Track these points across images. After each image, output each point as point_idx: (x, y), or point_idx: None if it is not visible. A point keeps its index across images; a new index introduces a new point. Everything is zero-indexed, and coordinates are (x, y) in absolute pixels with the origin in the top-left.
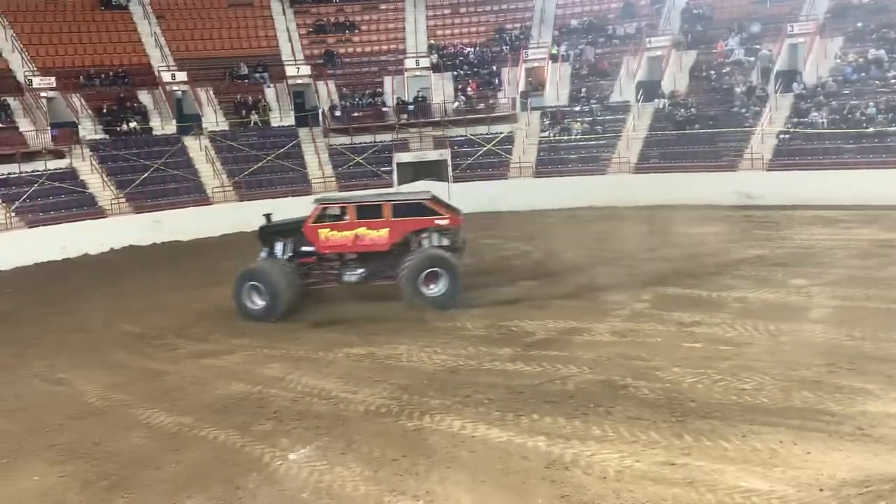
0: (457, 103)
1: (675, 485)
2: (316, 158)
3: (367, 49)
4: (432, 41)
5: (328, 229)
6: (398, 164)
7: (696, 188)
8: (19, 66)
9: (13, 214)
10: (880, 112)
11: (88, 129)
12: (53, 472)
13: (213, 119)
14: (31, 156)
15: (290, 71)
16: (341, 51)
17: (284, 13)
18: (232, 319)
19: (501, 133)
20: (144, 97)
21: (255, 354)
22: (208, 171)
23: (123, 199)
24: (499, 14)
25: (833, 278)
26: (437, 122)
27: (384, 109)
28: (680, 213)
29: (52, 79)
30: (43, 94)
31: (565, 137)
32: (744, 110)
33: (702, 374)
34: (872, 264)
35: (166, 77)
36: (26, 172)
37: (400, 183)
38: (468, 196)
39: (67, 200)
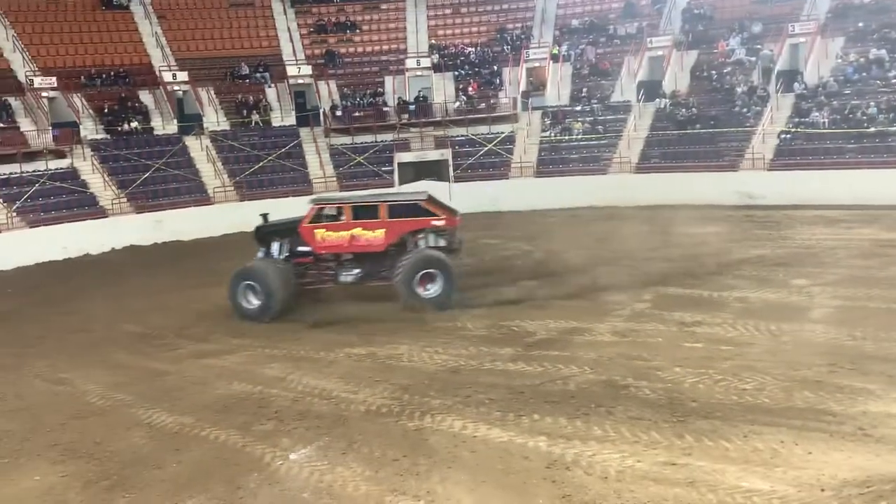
0: (458, 103)
1: (676, 485)
2: (317, 158)
3: (368, 49)
4: (433, 41)
5: (324, 230)
6: (399, 164)
7: (698, 188)
8: (20, 66)
9: (14, 214)
10: (881, 112)
11: (89, 129)
12: (55, 471)
13: (215, 119)
14: (32, 156)
15: (291, 71)
16: (342, 51)
17: (285, 13)
18: (232, 319)
19: (502, 133)
20: (145, 97)
21: (255, 354)
22: (209, 170)
23: (124, 199)
24: (500, 14)
25: (834, 278)
26: (438, 122)
27: (385, 109)
28: (681, 212)
29: (54, 79)
30: (44, 93)
31: (566, 137)
32: (745, 110)
33: (703, 374)
34: (874, 264)
35: (167, 77)
36: (27, 172)
37: (401, 183)
38: (469, 196)
39: (69, 200)
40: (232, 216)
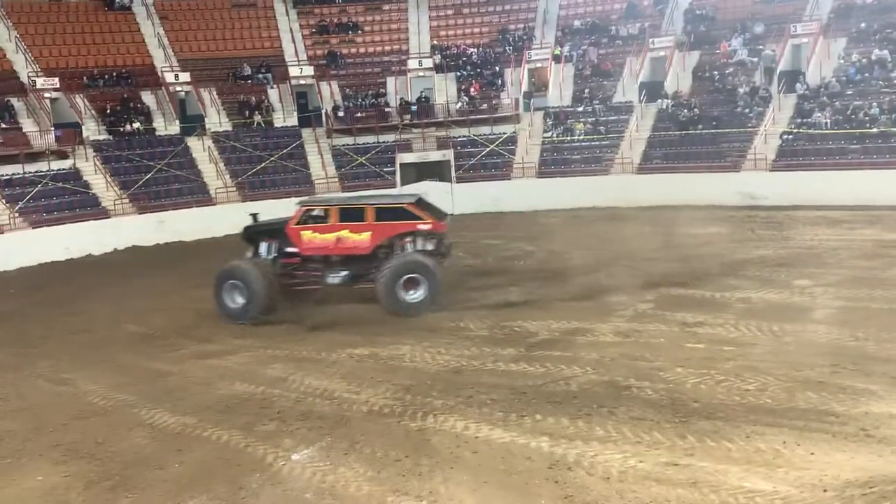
0: (460, 104)
1: (678, 485)
2: (319, 159)
3: (371, 50)
4: (435, 42)
5: (311, 231)
6: (401, 165)
7: (700, 189)
8: (23, 67)
9: (17, 215)
10: (884, 112)
11: (92, 130)
12: (57, 471)
13: (217, 119)
14: (34, 156)
15: (294, 71)
16: (344, 51)
17: (287, 14)
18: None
19: (504, 133)
20: (148, 98)
21: (258, 355)
22: (211, 171)
23: (127, 200)
24: (502, 15)
25: (837, 279)
26: (440, 123)
27: (387, 110)
28: (683, 213)
29: (56, 79)
30: (46, 94)
31: (568, 138)
32: (747, 111)
33: (705, 374)
34: (876, 265)
35: (169, 78)
36: (30, 173)
37: (403, 183)
38: (471, 196)
39: (71, 201)
40: (234, 217)
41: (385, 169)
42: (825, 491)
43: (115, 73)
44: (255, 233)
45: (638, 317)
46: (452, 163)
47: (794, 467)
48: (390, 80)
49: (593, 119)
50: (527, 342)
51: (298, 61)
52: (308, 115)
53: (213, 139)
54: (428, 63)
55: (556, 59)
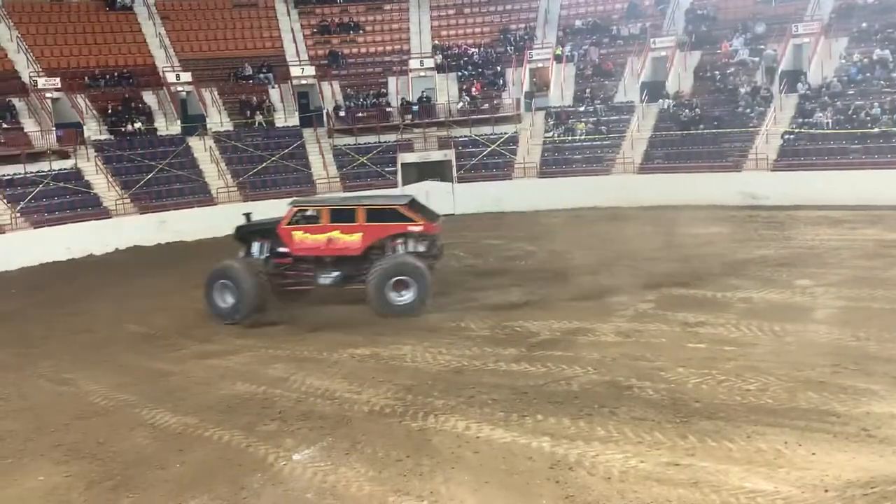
0: (461, 104)
1: (679, 485)
2: (320, 159)
3: (372, 49)
4: (436, 42)
5: (302, 231)
6: (402, 165)
7: (701, 188)
8: (24, 67)
9: (18, 215)
10: (885, 112)
11: (93, 130)
12: (58, 471)
13: (218, 119)
14: (36, 156)
15: (295, 71)
16: (346, 51)
17: (289, 14)
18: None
19: (506, 133)
20: (149, 98)
21: (259, 355)
22: (213, 171)
23: (128, 200)
24: (503, 14)
25: (838, 279)
26: (442, 123)
27: (388, 110)
28: (684, 213)
29: (57, 79)
30: (48, 94)
31: (569, 138)
32: (748, 111)
33: (706, 374)
34: (878, 265)
35: (171, 77)
36: (31, 173)
37: (404, 183)
38: (472, 196)
39: (72, 201)
40: (235, 217)
41: (386, 169)
42: (826, 491)
43: (116, 73)
44: (248, 232)
45: (639, 317)
46: (454, 163)
47: (796, 467)
48: (391, 80)
49: (594, 119)
50: (528, 342)
51: (300, 61)
52: (309, 115)
53: (214, 139)
54: (429, 63)
55: (558, 58)
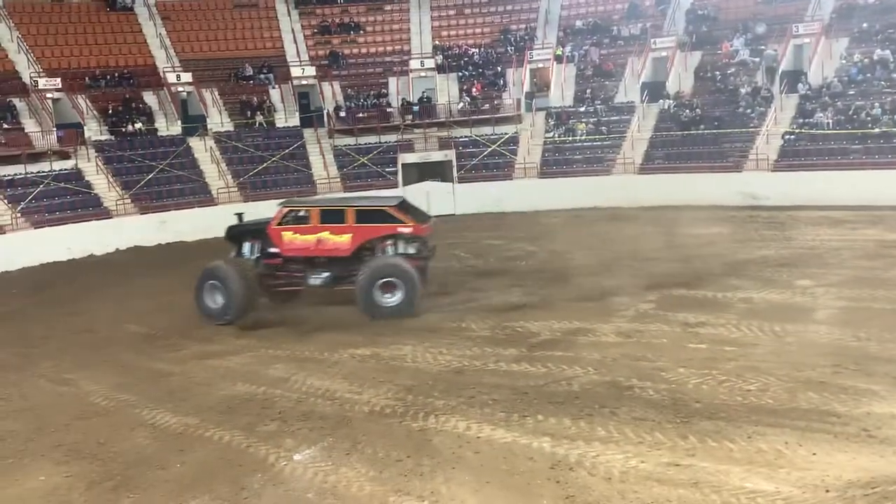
0: (461, 104)
1: (680, 486)
2: (321, 159)
3: (372, 50)
4: (437, 42)
5: (291, 232)
6: (403, 165)
7: (701, 189)
8: (25, 68)
9: (19, 215)
10: (886, 113)
11: (94, 130)
12: (59, 472)
13: (218, 120)
14: (36, 157)
15: (295, 72)
16: (346, 52)
17: (289, 14)
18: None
19: (506, 134)
20: (150, 98)
21: (259, 355)
22: (213, 171)
23: (129, 200)
24: (504, 15)
25: (839, 279)
26: (442, 123)
27: (389, 110)
28: (685, 213)
29: (58, 80)
30: (48, 95)
31: (570, 138)
32: (749, 111)
33: (707, 374)
34: (878, 265)
35: (171, 78)
36: (32, 173)
37: (405, 184)
38: (473, 197)
39: (73, 201)
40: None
41: (387, 169)
42: (827, 491)
43: (116, 74)
44: (239, 233)
45: (640, 317)
46: (454, 163)
47: (796, 468)
48: (392, 81)
49: (595, 119)
50: (528, 342)
51: (300, 61)
52: (310, 116)
53: (214, 139)
54: (430, 63)
55: (558, 59)
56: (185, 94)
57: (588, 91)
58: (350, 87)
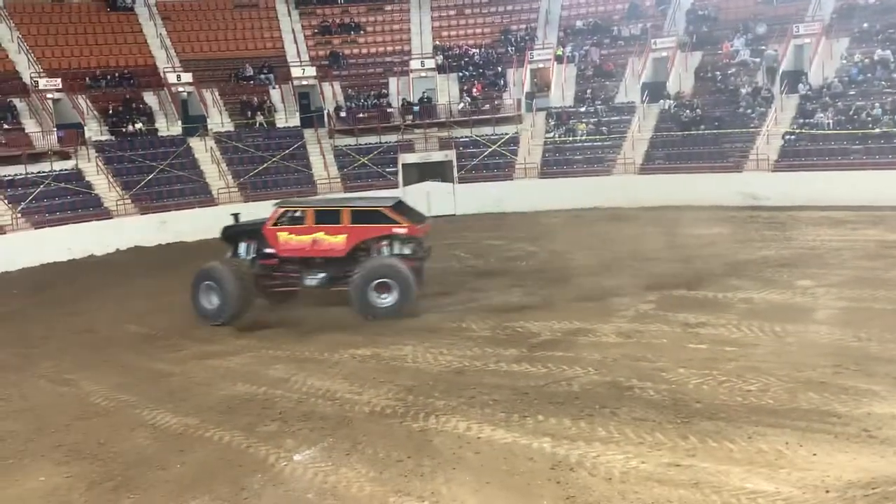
0: (462, 104)
1: (680, 486)
2: (321, 159)
3: (373, 50)
4: (437, 42)
5: (287, 232)
6: (403, 165)
7: (702, 189)
8: (25, 68)
9: (19, 215)
10: (886, 113)
11: (94, 131)
12: (59, 472)
13: (219, 120)
14: (37, 157)
15: (296, 72)
16: (346, 52)
17: (290, 14)
18: (237, 320)
19: (507, 134)
20: (150, 98)
21: (260, 355)
22: (214, 171)
23: (129, 200)
24: (504, 15)
25: (839, 279)
26: (443, 123)
27: (389, 110)
28: (685, 213)
29: (58, 80)
30: (49, 95)
31: (570, 138)
32: (749, 111)
33: (707, 375)
34: (879, 265)
35: (172, 78)
36: (32, 174)
37: (405, 184)
38: (473, 197)
39: (73, 201)
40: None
41: (387, 169)
42: (827, 492)
43: (117, 74)
44: (235, 233)
45: (640, 317)
46: (455, 163)
47: (797, 468)
48: (392, 81)
49: (595, 119)
50: (529, 343)
51: (300, 62)
52: (310, 116)
53: (215, 140)
54: (430, 63)
55: (559, 59)
56: (185, 94)
57: (588, 91)
58: (350, 87)
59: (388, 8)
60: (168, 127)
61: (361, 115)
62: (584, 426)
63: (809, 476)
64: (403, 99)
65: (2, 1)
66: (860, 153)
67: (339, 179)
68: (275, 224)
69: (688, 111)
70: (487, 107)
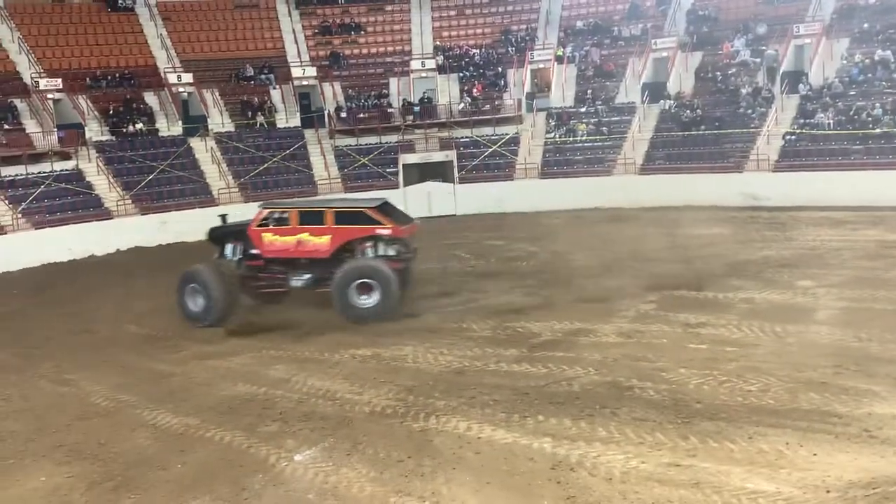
0: (462, 104)
1: (680, 486)
2: (322, 160)
3: (373, 50)
4: (438, 42)
5: (271, 233)
6: (404, 166)
7: (702, 189)
8: (26, 68)
9: (20, 216)
10: (886, 113)
11: (95, 131)
12: (60, 472)
13: (219, 120)
14: (37, 157)
15: (296, 72)
16: (347, 52)
17: (290, 15)
18: (237, 320)
19: (507, 134)
20: (150, 98)
21: (260, 356)
22: (214, 172)
23: (129, 201)
24: (504, 15)
25: (840, 279)
26: (443, 124)
27: (390, 111)
28: (685, 214)
29: (59, 80)
30: (49, 95)
31: (571, 139)
32: (750, 111)
33: (708, 375)
34: (879, 265)
35: (172, 78)
36: (33, 174)
37: (406, 184)
38: (474, 197)
39: (74, 202)
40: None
41: (388, 170)
42: (828, 492)
43: (117, 74)
44: (221, 234)
45: (640, 317)
46: (455, 163)
47: (797, 468)
48: (393, 81)
49: (596, 120)
50: (529, 343)
51: (301, 62)
52: (311, 116)
53: (215, 140)
54: (430, 64)
55: (559, 59)
56: (185, 94)
57: (589, 91)
58: (351, 87)
59: (389, 8)
60: (168, 127)
61: (362, 115)
62: (584, 426)
63: (810, 476)
64: (404, 99)
65: (2, 1)
66: (860, 153)
67: (339, 180)
68: (260, 225)
69: (688, 111)
70: (488, 107)
